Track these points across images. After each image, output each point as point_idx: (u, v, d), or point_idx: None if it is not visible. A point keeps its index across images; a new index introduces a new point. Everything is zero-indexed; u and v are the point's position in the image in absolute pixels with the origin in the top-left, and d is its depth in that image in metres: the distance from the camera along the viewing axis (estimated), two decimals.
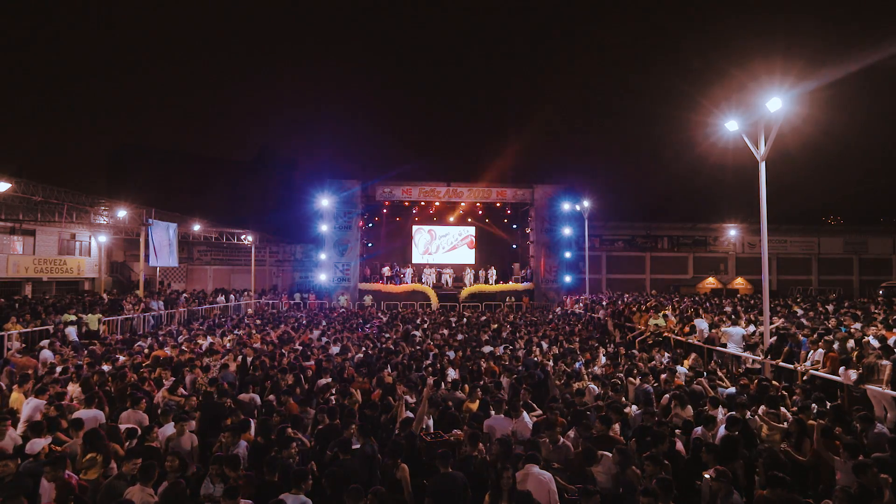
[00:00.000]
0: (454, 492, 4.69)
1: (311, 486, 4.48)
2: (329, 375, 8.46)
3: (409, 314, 20.66)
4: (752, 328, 12.47)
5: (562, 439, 5.61)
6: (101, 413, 6.53)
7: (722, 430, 5.77)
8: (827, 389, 8.06)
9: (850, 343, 9.06)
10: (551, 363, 9.74)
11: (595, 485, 4.75)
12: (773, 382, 8.26)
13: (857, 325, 12.19)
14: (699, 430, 5.90)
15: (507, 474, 4.45)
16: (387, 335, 13.80)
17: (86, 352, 10.76)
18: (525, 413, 6.54)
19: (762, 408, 6.52)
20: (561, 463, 5.41)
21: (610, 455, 5.12)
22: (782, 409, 6.59)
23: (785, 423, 6.31)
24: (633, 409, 6.97)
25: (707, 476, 4.69)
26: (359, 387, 7.88)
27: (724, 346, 11.18)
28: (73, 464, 5.07)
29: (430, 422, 6.47)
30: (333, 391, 7.67)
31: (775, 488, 4.25)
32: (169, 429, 5.98)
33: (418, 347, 11.75)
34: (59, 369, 8.90)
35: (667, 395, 7.29)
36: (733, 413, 6.21)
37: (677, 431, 6.10)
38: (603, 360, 10.43)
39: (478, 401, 7.00)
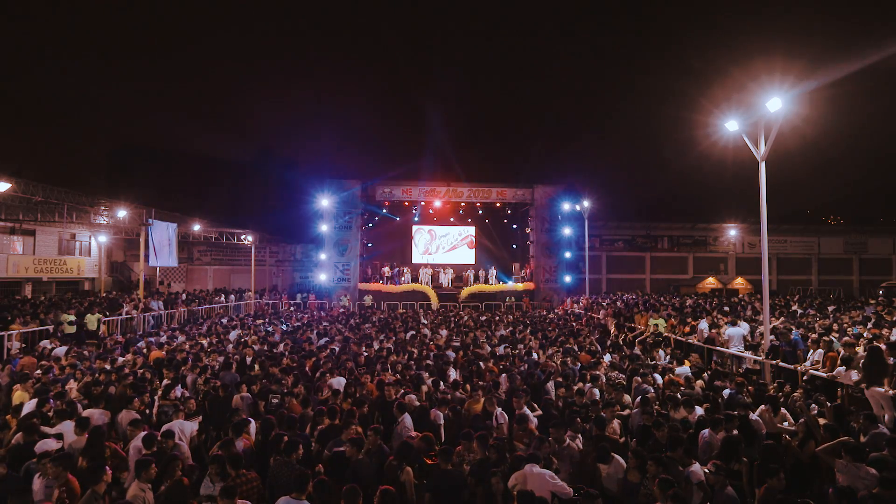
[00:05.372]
0: (453, 488, 4.71)
1: (311, 490, 4.46)
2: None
3: (409, 314, 20.66)
4: (745, 326, 12.26)
5: (567, 440, 5.62)
6: (106, 414, 6.55)
7: (706, 433, 5.83)
8: (827, 389, 8.07)
9: (859, 349, 8.92)
10: (556, 363, 9.75)
11: (600, 487, 4.78)
12: (770, 384, 8.30)
13: (855, 330, 12.16)
14: (706, 432, 5.89)
15: (494, 480, 4.49)
16: (382, 336, 13.78)
17: (86, 352, 10.76)
18: (527, 410, 6.57)
19: (761, 407, 6.55)
20: (567, 463, 5.43)
21: (617, 458, 5.15)
22: (782, 409, 6.61)
23: (785, 423, 6.33)
24: (633, 403, 7.00)
25: (706, 470, 4.71)
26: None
27: (724, 345, 11.19)
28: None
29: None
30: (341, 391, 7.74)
31: (772, 478, 4.29)
32: (191, 426, 6.18)
33: (415, 350, 11.73)
34: (56, 370, 8.91)
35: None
36: (732, 412, 6.21)
37: None
38: (608, 358, 10.45)
39: (482, 401, 7.00)
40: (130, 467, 5.25)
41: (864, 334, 10.53)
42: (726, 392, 7.59)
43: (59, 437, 5.69)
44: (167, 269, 29.06)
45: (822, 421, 6.10)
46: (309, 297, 26.75)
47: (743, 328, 11.48)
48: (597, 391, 7.88)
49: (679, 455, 5.11)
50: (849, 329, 11.67)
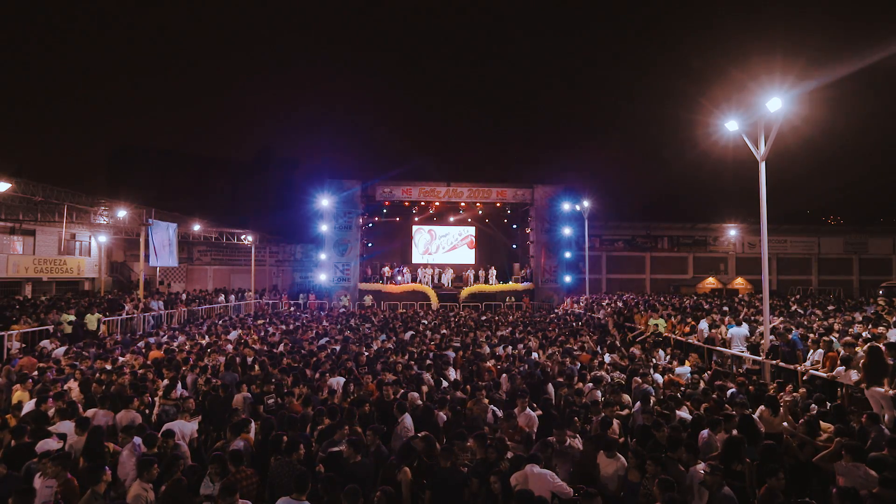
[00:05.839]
0: (453, 487, 4.70)
1: (319, 488, 4.46)
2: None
3: (409, 314, 20.67)
4: (746, 326, 12.21)
5: (568, 440, 5.62)
6: (108, 415, 6.55)
7: (705, 433, 5.84)
8: (827, 389, 8.07)
9: (859, 350, 8.87)
10: (555, 363, 9.75)
11: (600, 487, 4.77)
12: (770, 384, 8.29)
13: (855, 329, 12.15)
14: (706, 432, 5.88)
15: (492, 479, 4.48)
16: (383, 336, 13.78)
17: (85, 353, 10.75)
18: (529, 410, 6.59)
19: (761, 407, 6.54)
20: (567, 463, 5.42)
21: (618, 458, 5.15)
22: (782, 409, 6.60)
23: (785, 424, 6.32)
24: (636, 407, 6.99)
25: (701, 472, 4.69)
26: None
27: (724, 345, 11.18)
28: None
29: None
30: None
31: (772, 478, 4.29)
32: (191, 426, 6.25)
33: (415, 349, 11.73)
34: (54, 370, 8.91)
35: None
36: (731, 412, 6.21)
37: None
38: (608, 358, 10.44)
39: (485, 401, 7.00)
40: (124, 473, 5.18)
41: (864, 334, 10.52)
42: (731, 392, 7.59)
43: (63, 436, 5.69)
44: (167, 269, 29.07)
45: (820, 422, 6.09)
46: (309, 297, 26.77)
47: (745, 328, 11.47)
48: (599, 392, 7.86)
49: (679, 455, 5.11)
50: (850, 329, 11.65)
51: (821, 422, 6.21)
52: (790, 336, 9.67)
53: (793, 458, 5.58)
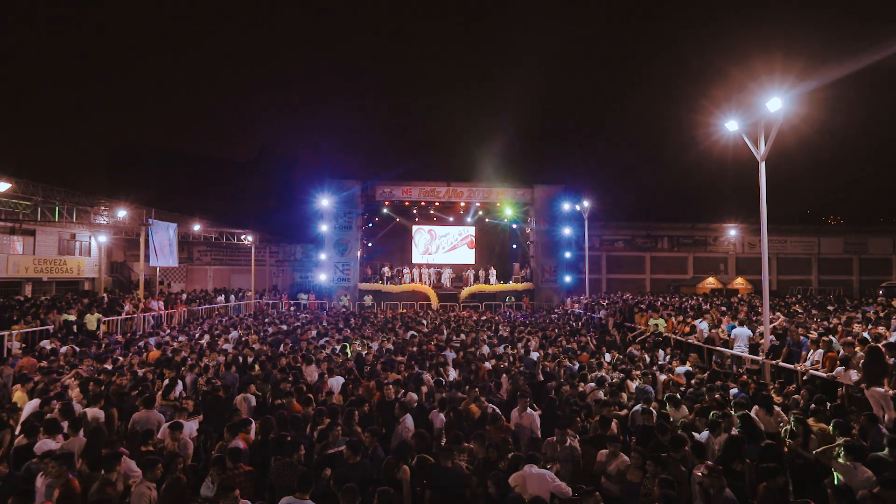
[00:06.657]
0: (454, 485, 4.70)
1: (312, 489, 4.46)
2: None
3: (409, 314, 20.66)
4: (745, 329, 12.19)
5: (569, 440, 5.62)
6: (102, 413, 6.55)
7: (705, 434, 5.84)
8: (827, 389, 8.07)
9: (859, 350, 8.82)
10: (555, 363, 9.74)
11: (600, 487, 4.77)
12: (771, 384, 8.29)
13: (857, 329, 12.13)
14: (705, 434, 5.88)
15: (489, 483, 4.53)
16: (382, 336, 13.77)
17: (86, 352, 10.75)
18: (531, 410, 6.60)
19: (755, 407, 6.54)
20: (568, 463, 5.42)
21: (622, 457, 5.15)
22: (779, 409, 6.60)
23: (782, 423, 6.32)
24: (637, 408, 6.99)
25: (699, 473, 4.69)
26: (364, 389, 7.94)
27: (725, 345, 11.17)
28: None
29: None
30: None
31: (771, 478, 4.29)
32: (190, 426, 6.28)
33: (415, 349, 11.73)
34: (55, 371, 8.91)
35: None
36: (728, 412, 6.20)
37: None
38: (608, 357, 10.44)
39: (484, 401, 7.01)
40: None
41: (864, 334, 10.52)
42: (733, 392, 7.59)
43: (67, 436, 5.69)
44: (167, 269, 29.05)
45: (811, 420, 6.08)
46: (309, 297, 26.77)
47: (746, 328, 11.45)
48: (601, 393, 7.85)
49: (681, 455, 5.11)
50: (849, 328, 11.65)
51: (818, 421, 6.21)
52: (800, 338, 9.67)
53: (800, 458, 5.56)
